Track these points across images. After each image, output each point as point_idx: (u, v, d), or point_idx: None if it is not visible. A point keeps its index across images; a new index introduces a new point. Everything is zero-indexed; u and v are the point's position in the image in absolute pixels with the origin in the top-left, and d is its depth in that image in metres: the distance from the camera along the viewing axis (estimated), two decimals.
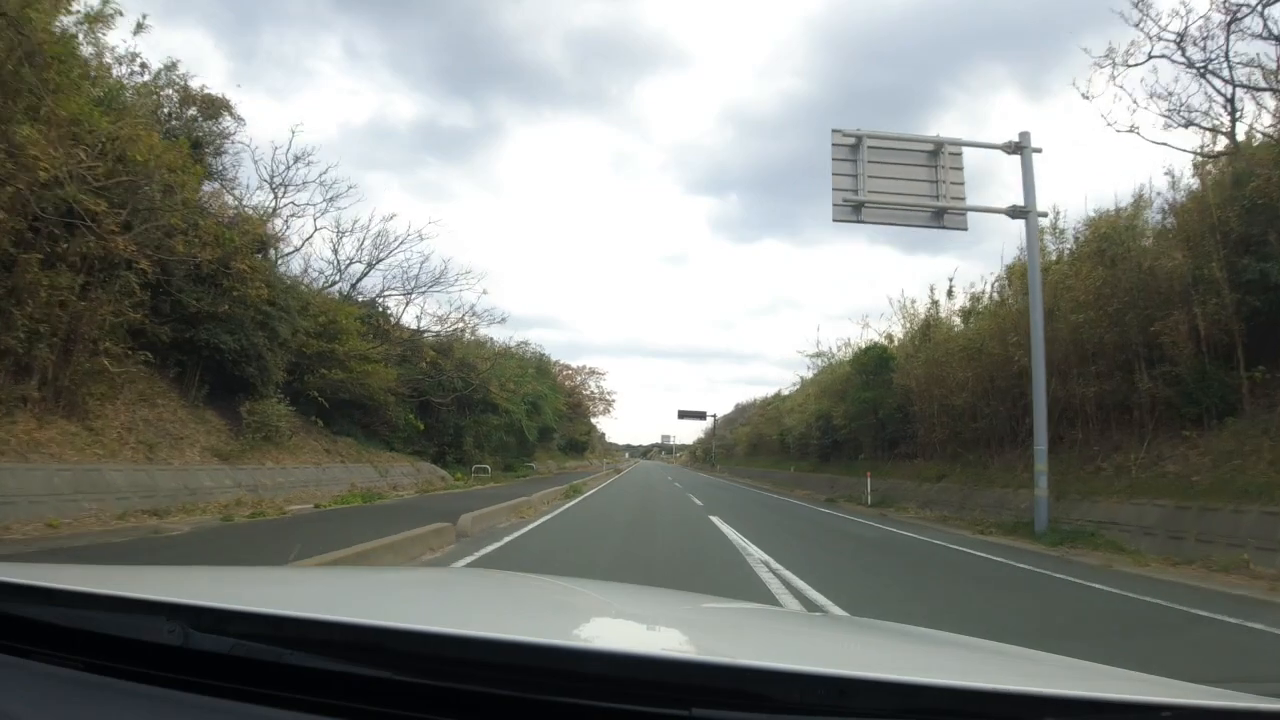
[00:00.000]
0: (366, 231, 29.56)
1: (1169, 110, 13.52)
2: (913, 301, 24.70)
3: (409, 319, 28.30)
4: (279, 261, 19.66)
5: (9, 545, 7.18)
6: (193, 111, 16.18)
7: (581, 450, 70.95)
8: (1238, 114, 13.20)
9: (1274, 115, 12.78)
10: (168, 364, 13.27)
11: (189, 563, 5.91)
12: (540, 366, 45.74)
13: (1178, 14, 17.42)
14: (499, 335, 41.16)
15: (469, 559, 7.64)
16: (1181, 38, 13.21)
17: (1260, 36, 12.26)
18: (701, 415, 79.51)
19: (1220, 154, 13.34)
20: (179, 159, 11.61)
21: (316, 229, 25.64)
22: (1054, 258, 16.03)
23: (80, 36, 10.69)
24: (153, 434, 11.88)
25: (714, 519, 14.07)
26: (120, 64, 13.63)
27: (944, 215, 13.21)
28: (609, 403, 74.15)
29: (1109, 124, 15.43)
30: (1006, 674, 1.14)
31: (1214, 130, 13.40)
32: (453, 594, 1.61)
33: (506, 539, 9.53)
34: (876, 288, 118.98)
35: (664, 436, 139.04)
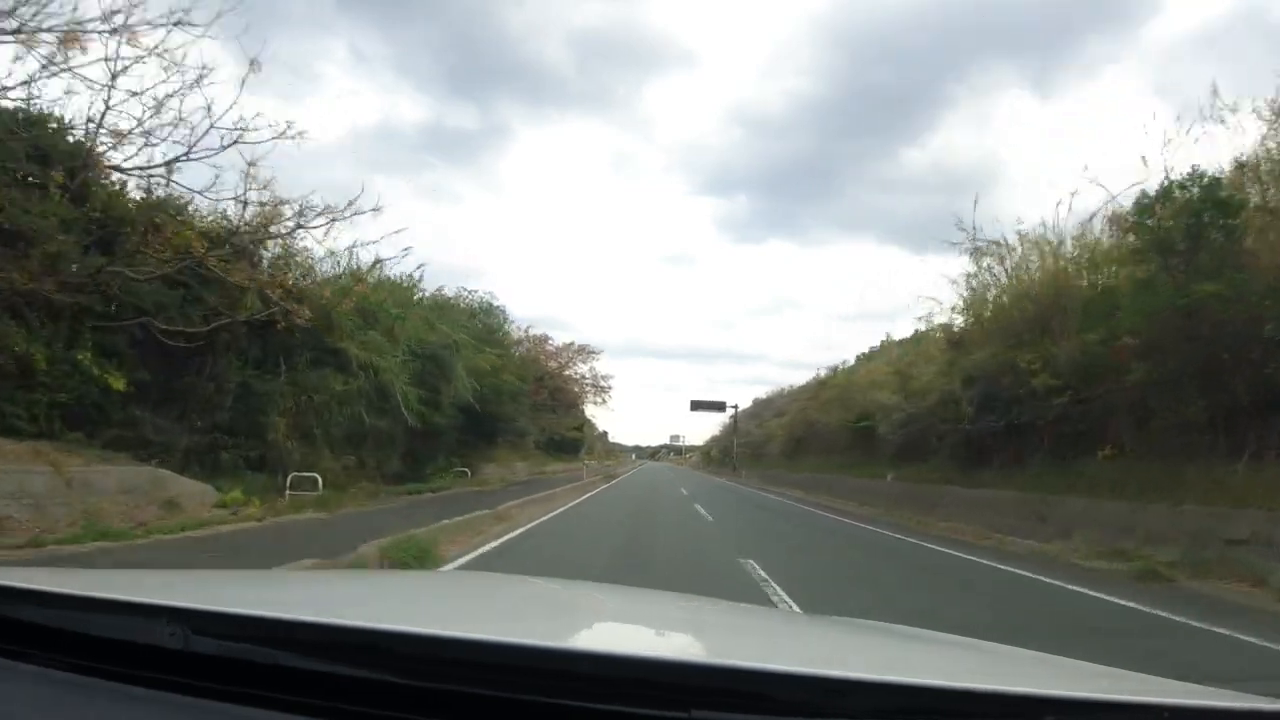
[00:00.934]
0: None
1: None
2: None
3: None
4: None
5: None
6: None
7: (574, 450, 56.55)
8: None
9: None
10: None
11: None
12: (486, 326, 29.91)
13: None
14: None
15: None
16: None
17: None
18: (720, 406, 65.83)
19: None
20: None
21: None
22: None
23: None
24: None
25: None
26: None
27: None
28: (603, 390, 58.80)
29: None
30: (1006, 675, 1.16)
31: None
32: (452, 597, 1.63)
33: None
34: (887, 287, 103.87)
35: (673, 437, 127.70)
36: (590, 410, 63.01)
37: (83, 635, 0.92)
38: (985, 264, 17.14)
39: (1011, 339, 15.13)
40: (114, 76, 10.08)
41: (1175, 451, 10.89)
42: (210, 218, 12.87)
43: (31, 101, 10.45)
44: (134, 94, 10.36)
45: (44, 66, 9.69)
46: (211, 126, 10.87)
